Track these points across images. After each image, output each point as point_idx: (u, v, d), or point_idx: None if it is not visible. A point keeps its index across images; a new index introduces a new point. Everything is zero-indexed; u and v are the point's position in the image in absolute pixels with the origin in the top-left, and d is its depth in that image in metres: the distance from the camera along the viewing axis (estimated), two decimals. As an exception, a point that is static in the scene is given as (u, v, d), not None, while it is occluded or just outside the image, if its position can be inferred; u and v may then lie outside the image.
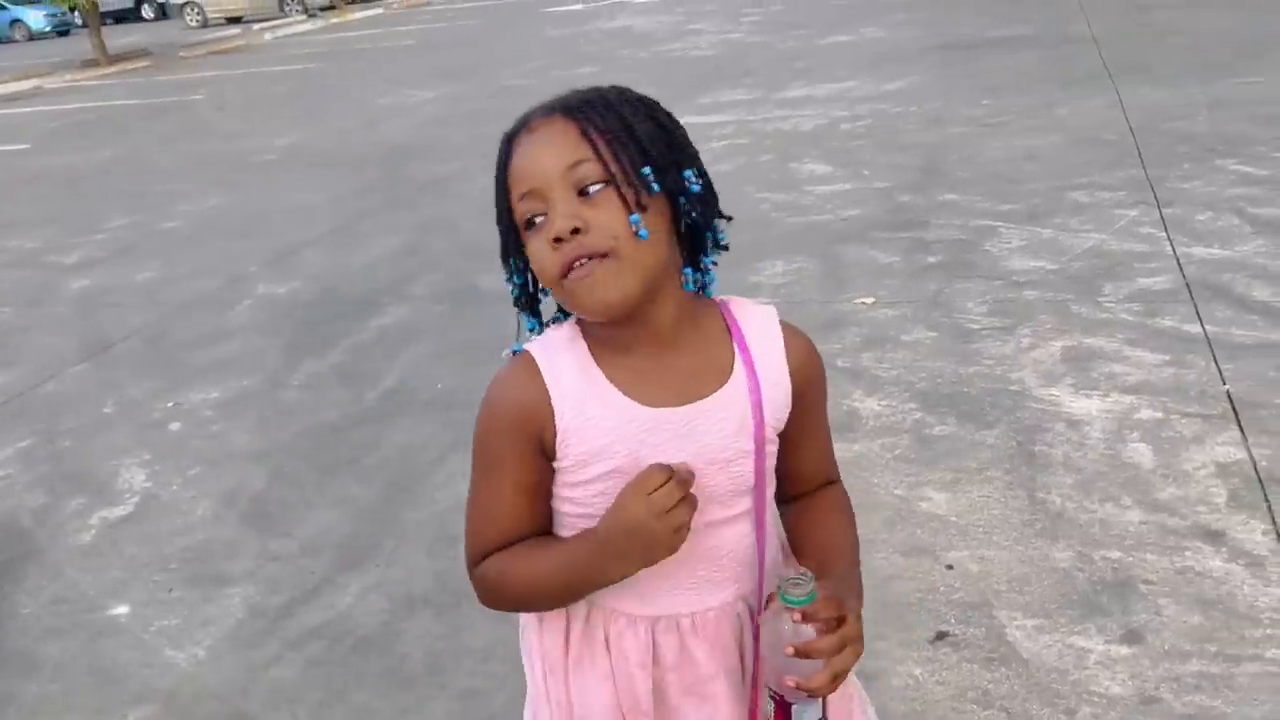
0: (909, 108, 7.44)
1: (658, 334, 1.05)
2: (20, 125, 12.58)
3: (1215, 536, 2.47)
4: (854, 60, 9.81)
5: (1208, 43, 8.54)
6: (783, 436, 1.11)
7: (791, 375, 1.08)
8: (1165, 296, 3.81)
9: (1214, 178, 5.03)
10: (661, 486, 0.98)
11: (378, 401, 3.79)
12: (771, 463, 1.11)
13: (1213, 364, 3.27)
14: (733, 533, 1.10)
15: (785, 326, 1.10)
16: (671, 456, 1.02)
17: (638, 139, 1.00)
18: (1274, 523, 2.49)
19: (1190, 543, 2.46)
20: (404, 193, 6.81)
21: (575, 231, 0.97)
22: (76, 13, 23.90)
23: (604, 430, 1.04)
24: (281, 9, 27.35)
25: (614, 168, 0.98)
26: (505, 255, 1.09)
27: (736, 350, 1.06)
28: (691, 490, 1.00)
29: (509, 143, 1.05)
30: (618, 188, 0.98)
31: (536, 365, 1.05)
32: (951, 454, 2.97)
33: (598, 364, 1.05)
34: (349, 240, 5.86)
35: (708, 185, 1.06)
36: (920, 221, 4.96)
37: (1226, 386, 3.13)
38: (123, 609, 2.73)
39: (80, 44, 22.06)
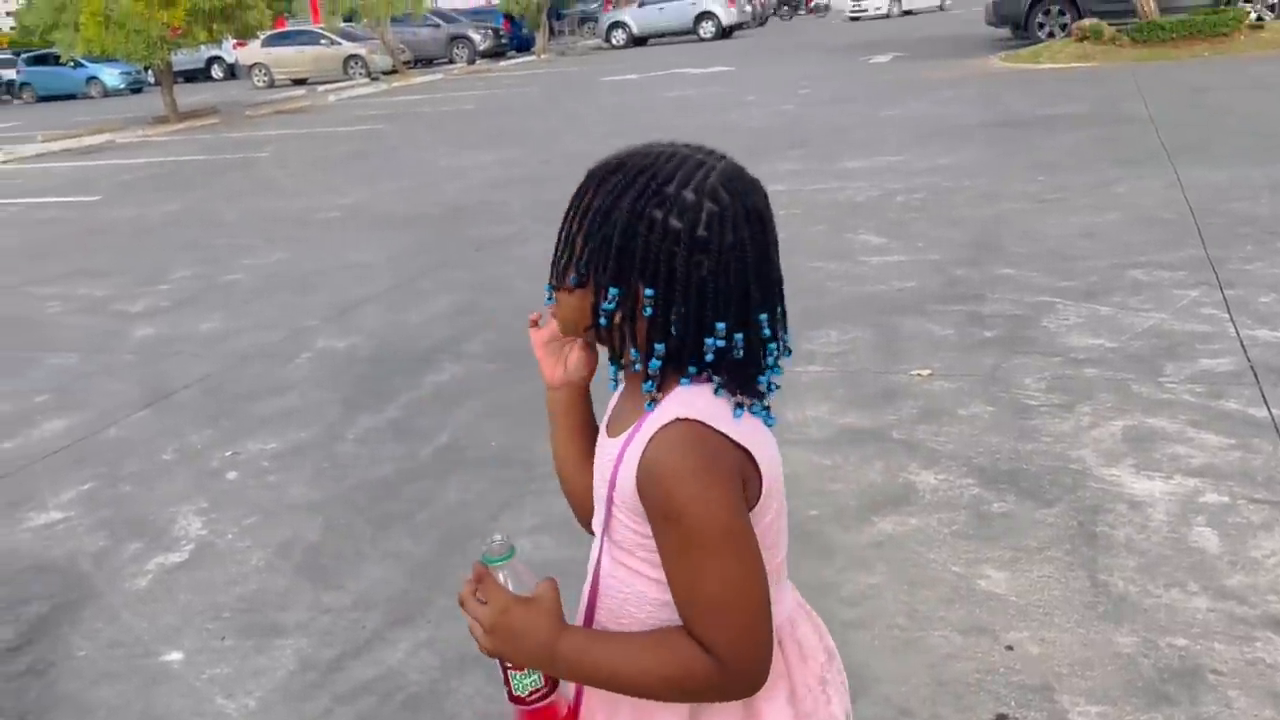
0: (962, 182, 7.47)
1: (630, 380, 1.13)
2: (92, 177, 13.01)
3: (1287, 627, 2.40)
4: (906, 134, 9.88)
5: (1265, 125, 8.50)
6: None
7: (638, 479, 1.05)
8: (1229, 378, 3.75)
9: (1277, 260, 4.97)
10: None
11: (432, 458, 3.82)
12: (639, 540, 1.09)
13: (1280, 449, 3.21)
14: (594, 553, 1.18)
15: (659, 444, 1.02)
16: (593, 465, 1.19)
17: (590, 237, 1.05)
18: (1349, 615, 2.41)
19: (1261, 633, 2.39)
20: (461, 253, 6.93)
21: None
22: (150, 71, 24.81)
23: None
24: (345, 72, 28.18)
25: (561, 244, 1.09)
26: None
27: (630, 428, 1.09)
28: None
29: None
30: (553, 256, 1.10)
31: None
32: (1011, 532, 2.92)
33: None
34: (407, 298, 5.96)
35: (700, 328, 1.03)
36: (976, 295, 4.95)
37: (1295, 472, 3.06)
38: (176, 655, 2.75)
39: (152, 101, 22.86)
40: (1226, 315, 4.34)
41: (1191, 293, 4.67)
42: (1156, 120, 9.10)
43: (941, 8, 33.19)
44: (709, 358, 1.03)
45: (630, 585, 1.13)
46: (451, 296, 5.88)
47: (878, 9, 32.15)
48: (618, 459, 1.09)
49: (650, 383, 1.06)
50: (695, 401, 1.04)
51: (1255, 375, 3.74)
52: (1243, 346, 4.01)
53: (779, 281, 1.09)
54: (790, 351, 1.11)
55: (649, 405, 1.06)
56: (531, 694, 1.14)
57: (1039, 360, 4.11)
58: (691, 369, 1.05)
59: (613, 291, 1.04)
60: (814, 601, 1.30)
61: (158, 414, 4.53)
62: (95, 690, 2.64)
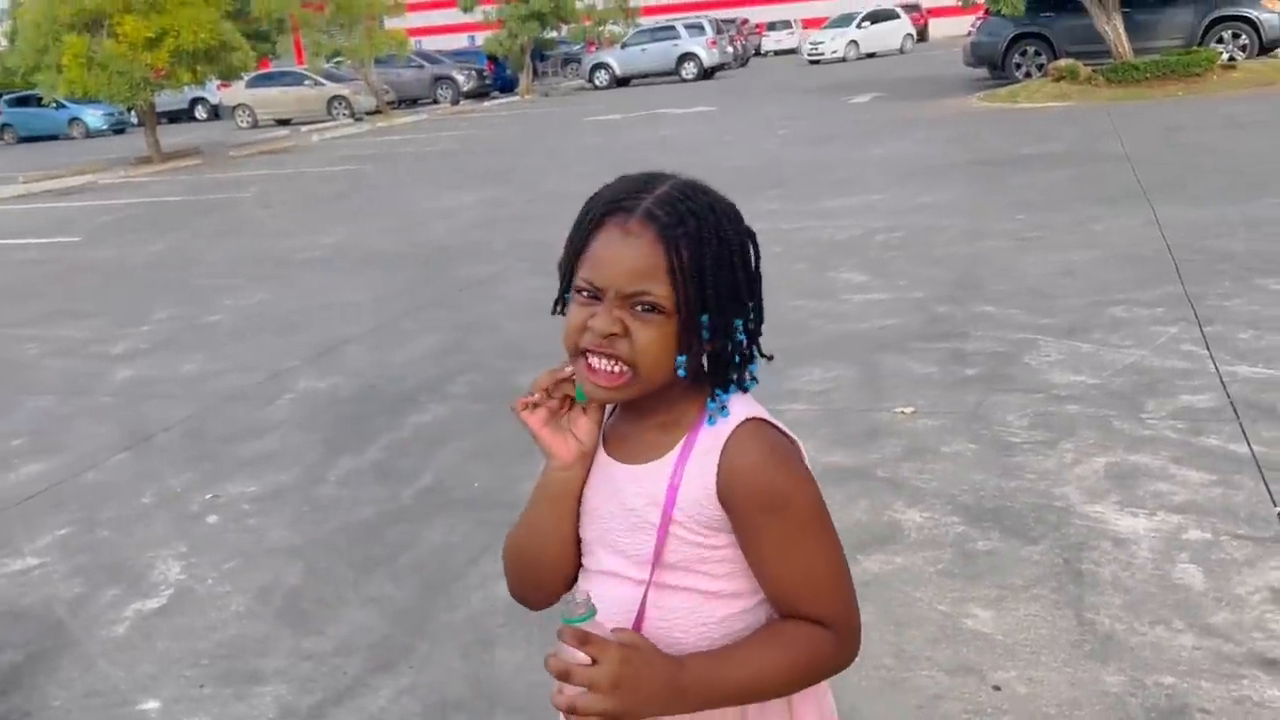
0: (943, 221, 7.53)
1: (637, 405, 1.14)
2: (73, 218, 12.97)
3: (1273, 665, 2.39)
4: (886, 173, 9.98)
5: (1240, 163, 8.63)
6: (743, 549, 1.13)
7: (718, 485, 1.10)
8: (1209, 415, 3.77)
9: (1255, 296, 5.03)
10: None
11: (414, 500, 3.79)
12: (704, 554, 1.13)
13: (1261, 485, 3.22)
14: (617, 591, 1.14)
15: (738, 443, 1.10)
16: (600, 501, 1.17)
17: (711, 288, 1.07)
18: (1334, 652, 2.41)
19: (1248, 670, 2.39)
20: (446, 293, 6.93)
21: (612, 335, 1.07)
22: (133, 112, 24.83)
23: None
24: (329, 112, 28.29)
25: (682, 310, 1.06)
26: (562, 291, 1.16)
27: (682, 442, 1.12)
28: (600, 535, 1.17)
29: (602, 214, 1.11)
30: (679, 328, 1.07)
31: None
32: (996, 570, 2.92)
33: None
34: (390, 338, 5.95)
35: (752, 335, 1.13)
36: (958, 333, 4.97)
37: (1278, 509, 3.07)
38: (153, 704, 2.70)
39: (135, 142, 22.88)
40: (1206, 351, 4.38)
41: (1171, 329, 4.70)
42: (1133, 159, 9.22)
43: (901, 51, 33.13)
44: (740, 338, 1.12)
45: (682, 607, 1.14)
46: (435, 336, 5.87)
47: (834, 52, 32.38)
48: (674, 475, 1.11)
49: (732, 388, 1.14)
50: (751, 405, 1.13)
51: (1235, 411, 3.77)
52: (1222, 383, 4.04)
53: None
54: None
55: (724, 413, 1.11)
56: None
57: (1021, 397, 4.12)
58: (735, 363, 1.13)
59: (736, 323, 1.12)
60: (800, 646, 1.28)
61: (137, 457, 4.48)
62: (69, 741, 2.58)
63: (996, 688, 2.42)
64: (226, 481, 4.11)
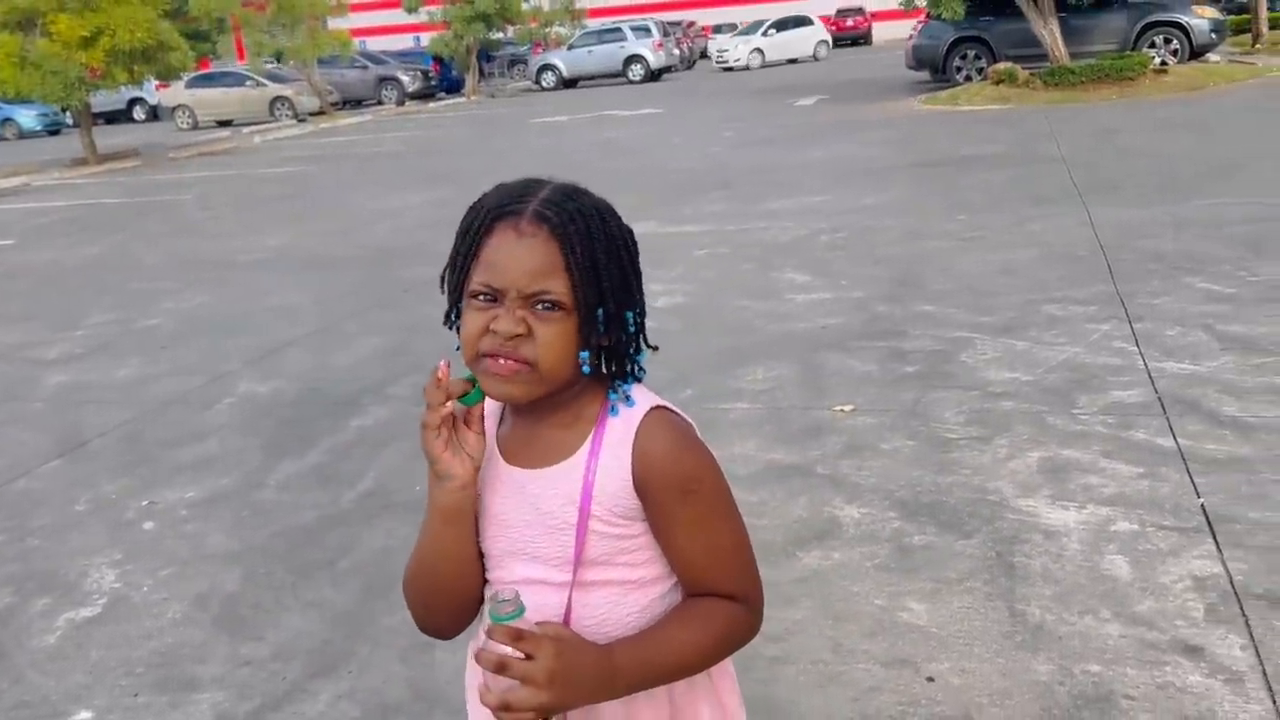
0: (884, 221, 7.64)
1: (534, 408, 1.15)
2: (6, 221, 12.66)
3: (1194, 651, 2.47)
4: (829, 175, 10.09)
5: (1172, 165, 8.86)
6: (656, 534, 1.16)
7: (634, 474, 1.12)
8: (1138, 409, 3.87)
9: (1182, 294, 5.17)
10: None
11: (355, 503, 3.76)
12: (623, 545, 1.15)
13: (1186, 477, 3.31)
14: (537, 598, 1.13)
15: (648, 431, 1.13)
16: (510, 511, 1.17)
17: (605, 281, 1.10)
18: (1252, 638, 2.49)
19: (1170, 657, 2.46)
20: (389, 294, 6.88)
21: (517, 336, 1.08)
22: (68, 113, 24.29)
23: None
24: (272, 113, 27.92)
25: (581, 306, 1.08)
26: (453, 302, 1.17)
27: (590, 438, 1.14)
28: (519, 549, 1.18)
29: (491, 219, 1.11)
30: (578, 324, 1.08)
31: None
32: (931, 564, 2.97)
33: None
34: (333, 340, 5.89)
35: (640, 326, 1.16)
36: (897, 331, 5.05)
37: (1201, 500, 3.16)
38: (85, 715, 2.65)
39: (70, 143, 22.39)
40: (1135, 348, 4.49)
41: (1103, 327, 4.82)
42: (1069, 160, 9.42)
43: (815, 58, 32.76)
44: (631, 329, 1.14)
45: (606, 602, 1.16)
46: (379, 338, 5.83)
47: (737, 60, 32.43)
48: (587, 470, 1.12)
49: (629, 380, 1.16)
50: (650, 394, 1.17)
51: (1163, 406, 3.87)
52: (1150, 378, 4.14)
53: None
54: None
55: (629, 403, 1.14)
56: None
57: (958, 394, 4.20)
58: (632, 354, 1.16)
59: (628, 315, 1.14)
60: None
61: (70, 463, 4.39)
62: (-2, 754, 2.53)
63: (930, 679, 2.47)
64: (164, 487, 4.05)
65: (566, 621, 1.16)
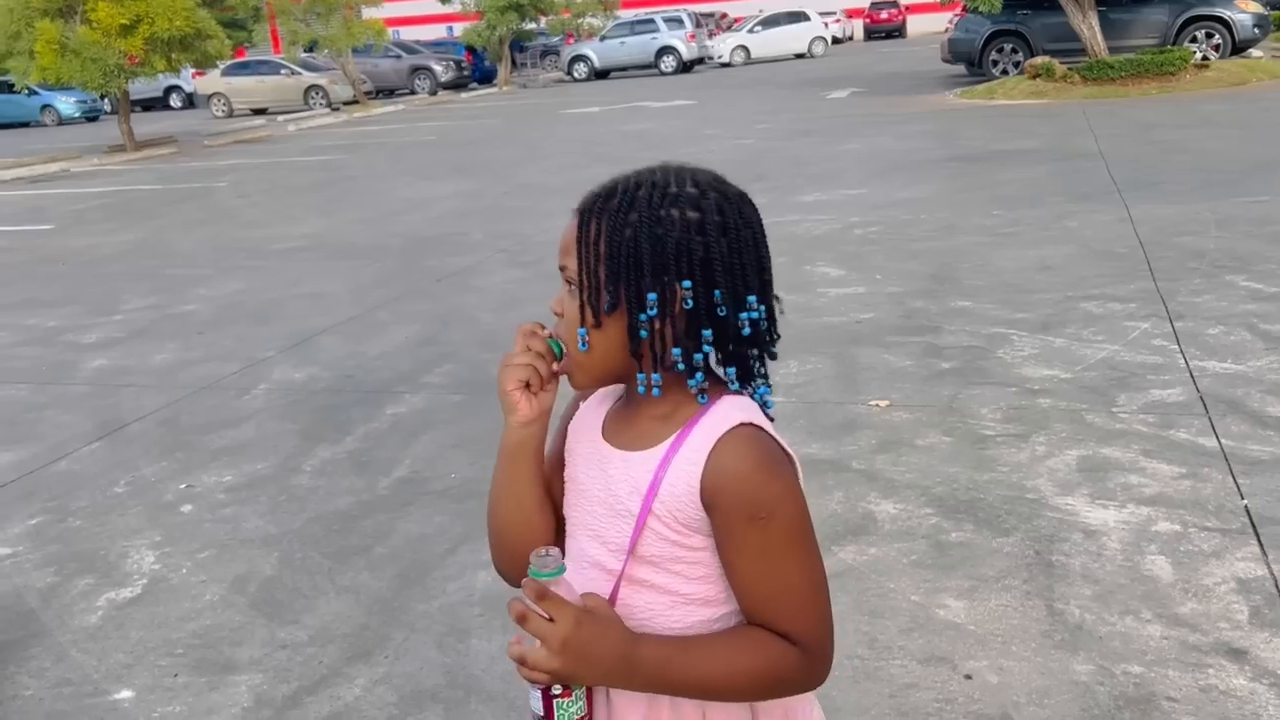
0: (920, 215, 7.58)
1: (634, 394, 1.15)
2: (45, 206, 12.83)
3: (1238, 654, 2.43)
4: (864, 168, 10.02)
5: (1213, 161, 8.73)
6: (720, 553, 1.12)
7: (703, 485, 1.08)
8: (1179, 409, 3.82)
9: (1224, 293, 5.09)
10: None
11: (390, 490, 3.78)
12: (679, 553, 1.12)
13: (1230, 478, 3.27)
14: (598, 583, 1.14)
15: (729, 446, 1.08)
16: (587, 478, 1.17)
17: (614, 258, 1.07)
18: (1298, 642, 2.46)
19: (1213, 660, 2.43)
20: (422, 284, 6.91)
21: (559, 315, 1.14)
22: (106, 100, 24.56)
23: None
24: (306, 102, 28.10)
25: (583, 280, 1.08)
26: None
27: (675, 435, 1.12)
28: (584, 527, 1.17)
29: None
30: (583, 300, 1.09)
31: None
32: (968, 561, 2.95)
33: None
34: (366, 329, 5.92)
35: (686, 318, 1.08)
36: (933, 327, 5.01)
37: (1244, 501, 3.12)
38: (127, 694, 2.69)
39: (108, 130, 22.65)
40: (1176, 347, 4.43)
41: (1143, 325, 4.76)
42: (1107, 156, 9.31)
43: (810, 54, 32.06)
44: (746, 331, 1.09)
45: (651, 608, 1.12)
46: (412, 327, 5.85)
47: (719, 57, 32.04)
48: (660, 468, 1.10)
49: (700, 375, 1.10)
50: (751, 410, 1.11)
51: (1204, 405, 3.82)
52: (1192, 377, 4.09)
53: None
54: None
55: (701, 398, 1.10)
56: None
57: (995, 391, 4.16)
58: (731, 348, 1.11)
59: (651, 297, 1.07)
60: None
61: (110, 446, 4.45)
62: (41, 731, 2.57)
63: (968, 677, 2.45)
64: (202, 471, 4.09)
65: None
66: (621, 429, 1.17)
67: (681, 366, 1.09)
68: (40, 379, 5.51)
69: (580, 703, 1.08)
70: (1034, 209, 7.40)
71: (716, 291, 1.07)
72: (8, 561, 3.48)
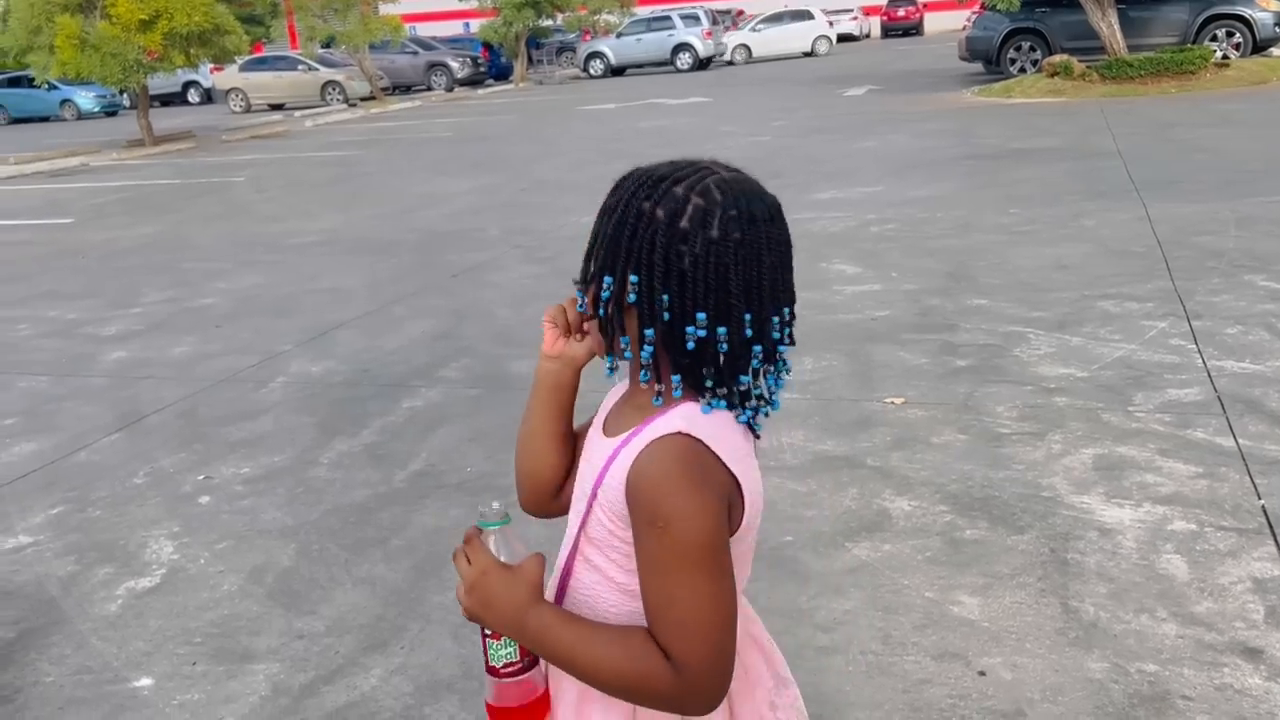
0: (936, 213, 7.56)
1: (632, 380, 1.17)
2: (65, 200, 12.92)
3: (1254, 654, 2.43)
4: (880, 166, 10.00)
5: (1232, 160, 8.67)
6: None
7: (626, 481, 1.08)
8: (1196, 408, 3.81)
9: (1243, 292, 5.07)
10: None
11: (407, 483, 3.81)
12: (614, 542, 1.13)
13: (1247, 478, 3.26)
14: (565, 552, 1.20)
15: (654, 450, 1.06)
16: (583, 464, 1.20)
17: (595, 230, 1.12)
18: (1314, 642, 2.45)
19: (1228, 659, 2.42)
20: (438, 279, 6.93)
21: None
22: (125, 95, 24.69)
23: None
24: (323, 98, 28.20)
25: (590, 243, 1.13)
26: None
27: (632, 429, 1.12)
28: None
29: None
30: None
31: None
32: (983, 558, 2.95)
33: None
34: (383, 323, 5.95)
35: (670, 318, 1.07)
36: (949, 325, 5.00)
37: (1262, 501, 3.11)
38: (146, 681, 2.72)
39: (127, 124, 22.78)
40: (1194, 346, 4.42)
41: (1160, 324, 4.74)
42: (1125, 155, 9.26)
43: (814, 53, 31.81)
44: (689, 345, 1.07)
45: (598, 585, 1.16)
46: (428, 322, 5.88)
47: (721, 55, 31.92)
48: (610, 458, 1.12)
49: (645, 373, 1.10)
50: (702, 422, 1.08)
51: (1222, 405, 3.80)
52: (1210, 377, 4.07)
53: (782, 292, 1.12)
54: (788, 366, 1.15)
55: (656, 399, 1.10)
56: (505, 666, 1.15)
57: (1010, 389, 4.15)
58: (684, 361, 1.09)
59: (607, 280, 1.10)
60: (788, 627, 1.32)
61: (129, 438, 4.49)
62: (62, 717, 2.60)
63: (982, 673, 2.45)
64: (219, 463, 4.12)
65: (564, 584, 1.20)
66: (613, 414, 1.21)
67: (629, 355, 1.11)
68: (60, 371, 5.56)
69: (511, 648, 1.14)
70: (1051, 207, 7.37)
71: (665, 296, 1.05)
72: (29, 550, 3.52)
